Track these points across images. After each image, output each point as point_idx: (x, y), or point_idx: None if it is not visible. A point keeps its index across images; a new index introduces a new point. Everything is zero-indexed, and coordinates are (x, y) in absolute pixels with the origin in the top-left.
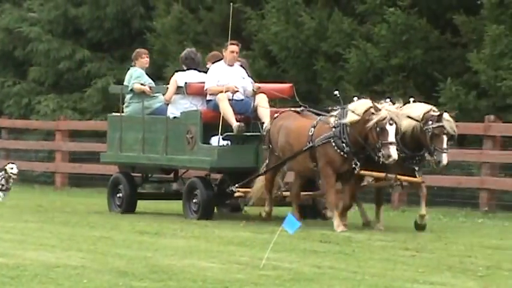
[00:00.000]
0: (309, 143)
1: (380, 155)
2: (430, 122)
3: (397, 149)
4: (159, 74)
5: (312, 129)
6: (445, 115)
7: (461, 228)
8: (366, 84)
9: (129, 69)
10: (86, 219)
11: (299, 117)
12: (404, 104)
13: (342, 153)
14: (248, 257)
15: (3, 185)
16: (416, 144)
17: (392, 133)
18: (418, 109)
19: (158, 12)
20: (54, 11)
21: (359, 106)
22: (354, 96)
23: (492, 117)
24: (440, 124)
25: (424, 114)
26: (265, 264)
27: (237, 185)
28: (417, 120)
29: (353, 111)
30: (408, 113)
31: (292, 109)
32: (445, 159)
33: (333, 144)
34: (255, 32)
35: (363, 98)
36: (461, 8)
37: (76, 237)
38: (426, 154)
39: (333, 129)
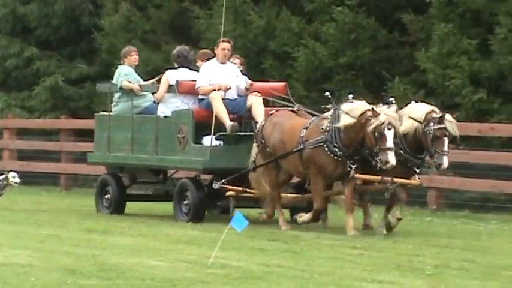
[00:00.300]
0: (300, 144)
1: (377, 160)
2: (432, 124)
3: (400, 149)
4: (106, 73)
5: (304, 130)
6: (447, 116)
7: (410, 226)
8: (314, 82)
9: (117, 67)
10: (33, 217)
11: (294, 116)
12: (406, 105)
13: (335, 157)
14: (196, 256)
15: None
16: (418, 146)
17: (390, 138)
18: (419, 110)
19: (106, 11)
20: (2, 9)
21: (354, 108)
22: (349, 94)
23: None
24: (442, 126)
25: (426, 115)
26: (213, 262)
27: (223, 181)
28: (419, 122)
29: (347, 113)
30: (410, 113)
31: (289, 108)
32: (446, 162)
33: (326, 148)
34: (204, 31)
35: (360, 99)
36: (410, 7)
37: (23, 236)
38: (427, 156)
39: (325, 133)
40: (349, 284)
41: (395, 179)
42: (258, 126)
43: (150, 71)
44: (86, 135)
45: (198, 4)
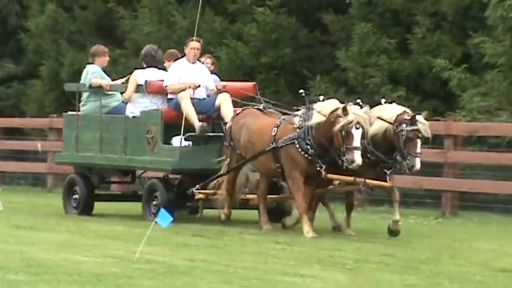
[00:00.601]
0: (272, 143)
1: (344, 159)
2: (404, 125)
3: (368, 152)
4: (34, 72)
5: (275, 129)
6: (419, 117)
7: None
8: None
9: (85, 66)
10: None
11: (262, 116)
12: (375, 105)
13: (306, 155)
14: (122, 251)
15: None
16: (388, 147)
17: (358, 138)
18: (390, 111)
19: (33, 12)
20: None
21: (325, 106)
22: (320, 95)
23: None
24: (415, 127)
25: (397, 116)
26: (139, 257)
27: (198, 186)
28: (390, 123)
29: (319, 112)
30: (380, 114)
31: (255, 107)
32: (418, 163)
33: (297, 146)
34: (128, 31)
35: (332, 98)
36: (330, 7)
37: None
38: (398, 157)
39: (297, 130)
40: (271, 279)
41: (368, 181)
42: (226, 127)
43: (76, 71)
44: (13, 133)
45: (122, 5)
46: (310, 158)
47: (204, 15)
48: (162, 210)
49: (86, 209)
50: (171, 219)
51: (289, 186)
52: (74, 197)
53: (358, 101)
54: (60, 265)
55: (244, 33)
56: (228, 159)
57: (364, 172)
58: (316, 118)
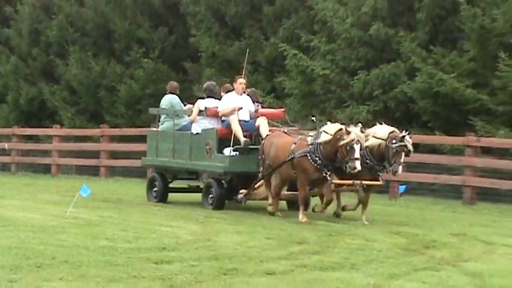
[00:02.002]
0: (291, 155)
1: (347, 166)
2: (394, 141)
3: (367, 159)
4: (3, 100)
5: (293, 144)
6: (406, 137)
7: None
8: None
9: (163, 95)
10: None
11: (285, 136)
12: (370, 127)
13: (315, 164)
14: (58, 211)
15: None
16: (380, 157)
17: (358, 151)
18: (383, 130)
19: (2, 61)
20: None
21: (331, 128)
22: (328, 121)
23: None
24: (403, 144)
25: (389, 134)
26: (68, 215)
27: (242, 193)
28: (383, 139)
29: (326, 132)
30: (374, 133)
31: (282, 130)
32: (400, 169)
33: (309, 157)
34: (62, 73)
35: (337, 122)
36: (189, 58)
37: None
38: (386, 164)
39: (309, 146)
40: (152, 228)
41: (364, 181)
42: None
43: (30, 99)
44: None
45: (59, 56)
46: (318, 166)
47: (110, 63)
48: (84, 185)
49: (162, 198)
50: (90, 191)
51: (298, 185)
52: (154, 189)
53: (359, 124)
54: (19, 220)
55: (135, 75)
56: (261, 168)
57: (362, 174)
58: (324, 137)
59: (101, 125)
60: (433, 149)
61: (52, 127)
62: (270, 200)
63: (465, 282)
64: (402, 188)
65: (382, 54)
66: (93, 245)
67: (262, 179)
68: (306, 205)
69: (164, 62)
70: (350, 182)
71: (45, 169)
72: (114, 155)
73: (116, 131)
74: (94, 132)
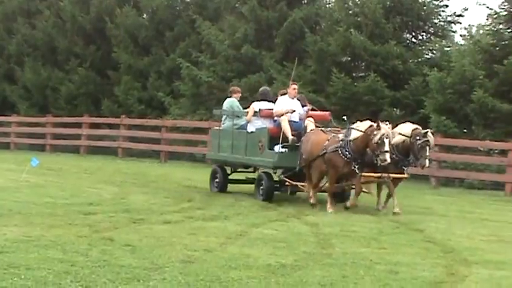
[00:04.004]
0: (323, 150)
1: (378, 159)
2: (418, 137)
3: (393, 155)
4: None
5: (327, 141)
6: (428, 132)
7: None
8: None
9: (226, 98)
10: None
11: (322, 133)
12: (397, 125)
13: (345, 158)
14: (15, 176)
15: None
16: (406, 152)
17: (387, 144)
18: (407, 128)
19: None
20: None
21: (361, 125)
22: (357, 120)
23: None
24: (426, 139)
25: (412, 131)
26: (22, 179)
27: (283, 176)
28: (408, 136)
29: (357, 129)
30: (400, 130)
31: (320, 128)
32: (427, 162)
33: (339, 152)
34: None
35: (366, 119)
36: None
37: None
38: (412, 159)
39: (340, 142)
40: (83, 189)
41: (391, 175)
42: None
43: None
44: None
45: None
46: (348, 160)
47: (54, 70)
48: (34, 157)
49: (222, 188)
50: (38, 162)
51: (328, 178)
52: (215, 180)
53: (387, 122)
54: None
55: (72, 79)
56: (299, 161)
57: (389, 169)
58: (355, 134)
59: (46, 115)
60: None
61: (11, 115)
62: (311, 192)
63: (306, 230)
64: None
65: (250, 68)
66: (39, 200)
67: (296, 169)
68: (343, 196)
69: (93, 70)
70: (378, 174)
71: (6, 146)
72: (56, 136)
73: (58, 119)
74: (42, 120)
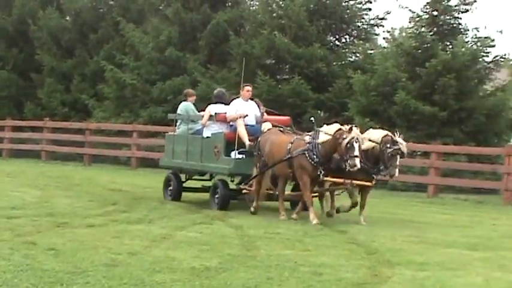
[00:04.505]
0: (287, 154)
1: (347, 164)
2: (388, 145)
3: (360, 161)
4: None
5: (290, 144)
6: (399, 139)
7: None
8: None
9: (181, 102)
10: None
11: (281, 134)
12: (365, 131)
13: (312, 162)
14: None
15: None
16: (375, 160)
17: (357, 148)
18: (376, 134)
19: None
20: None
21: (330, 128)
22: (325, 124)
23: None
24: (397, 147)
25: (382, 138)
26: None
27: (242, 184)
28: (377, 143)
29: (325, 133)
30: (369, 137)
31: (277, 128)
32: (397, 172)
33: (307, 155)
34: None
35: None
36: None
37: None
38: (382, 167)
39: (307, 144)
40: (5, 192)
41: (354, 181)
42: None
43: None
44: None
45: None
46: (315, 165)
47: None
48: None
49: (176, 197)
50: None
51: (300, 185)
52: (169, 188)
53: (355, 125)
54: None
55: None
56: (258, 164)
57: (357, 176)
58: (323, 137)
59: None
60: None
61: None
62: (255, 199)
63: (230, 232)
64: None
65: (174, 70)
66: None
67: (257, 175)
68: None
69: (15, 73)
70: (341, 180)
71: None
72: None
73: None
74: None
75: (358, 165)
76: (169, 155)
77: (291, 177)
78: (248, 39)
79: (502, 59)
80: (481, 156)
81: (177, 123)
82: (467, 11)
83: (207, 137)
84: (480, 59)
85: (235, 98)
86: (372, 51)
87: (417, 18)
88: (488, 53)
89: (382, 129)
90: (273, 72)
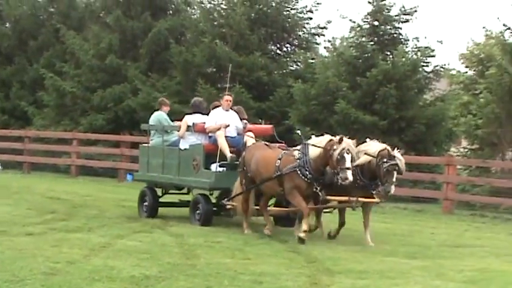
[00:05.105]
0: (277, 171)
1: (339, 177)
2: (385, 160)
3: (358, 179)
4: None
5: (279, 160)
6: (397, 154)
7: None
8: None
9: (153, 112)
10: None
11: (267, 149)
12: (362, 143)
13: (306, 179)
14: None
15: None
16: (372, 175)
17: (348, 160)
18: (374, 147)
19: None
20: None
21: (320, 140)
22: (312, 134)
23: None
24: (394, 162)
25: (379, 152)
26: None
27: (226, 200)
28: (373, 156)
29: (315, 145)
30: (366, 150)
31: (263, 142)
32: (393, 189)
33: (299, 172)
34: None
35: (323, 134)
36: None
37: None
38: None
39: (297, 160)
40: None
41: (360, 199)
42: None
43: None
44: None
45: None
46: (309, 181)
47: None
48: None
49: (152, 213)
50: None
51: (293, 203)
52: (144, 204)
53: (348, 137)
54: None
55: None
56: (243, 181)
57: (356, 192)
58: (314, 151)
59: None
60: None
61: None
62: (244, 220)
63: (170, 241)
64: (129, 177)
65: (114, 78)
66: None
67: (243, 192)
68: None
69: None
70: (345, 198)
71: None
72: None
73: None
74: None
75: (350, 178)
76: (144, 168)
77: (281, 195)
78: (189, 47)
79: (442, 69)
80: (420, 166)
81: (151, 135)
82: (407, 21)
83: (185, 149)
84: (420, 69)
85: (215, 107)
86: (312, 61)
87: (358, 28)
88: (428, 63)
89: (383, 142)
90: (214, 80)
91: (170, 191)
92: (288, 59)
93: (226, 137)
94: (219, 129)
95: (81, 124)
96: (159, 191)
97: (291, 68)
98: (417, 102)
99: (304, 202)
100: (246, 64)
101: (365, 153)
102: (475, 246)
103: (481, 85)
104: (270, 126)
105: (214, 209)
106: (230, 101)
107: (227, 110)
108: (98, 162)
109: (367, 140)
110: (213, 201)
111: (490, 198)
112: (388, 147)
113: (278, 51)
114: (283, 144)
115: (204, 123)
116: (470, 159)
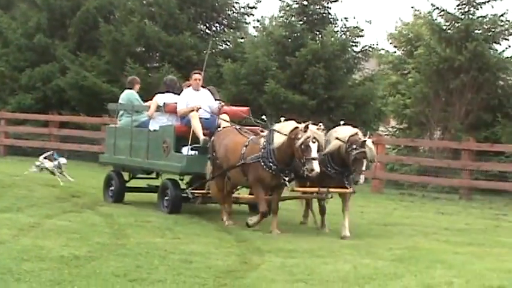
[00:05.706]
0: (241, 160)
1: (304, 169)
2: (354, 146)
3: (328, 167)
4: None
5: (244, 148)
6: (368, 142)
7: None
8: None
9: (123, 91)
10: None
11: (237, 134)
12: (333, 127)
13: (270, 171)
14: None
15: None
16: (342, 162)
17: (315, 150)
18: (345, 131)
19: None
20: None
21: (284, 126)
22: (281, 117)
23: None
24: (363, 150)
25: (350, 137)
26: None
27: (190, 189)
28: (343, 141)
29: (279, 132)
30: (337, 134)
31: (234, 126)
32: (362, 179)
33: (262, 163)
34: None
35: (290, 119)
36: None
37: None
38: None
39: (262, 150)
40: None
41: (331, 189)
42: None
43: None
44: None
45: None
46: (273, 173)
47: None
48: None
49: (118, 198)
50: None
51: (254, 194)
52: (110, 188)
53: (320, 124)
54: None
55: None
56: (212, 167)
57: (328, 182)
58: (278, 140)
59: None
60: (78, 126)
61: None
62: (224, 212)
63: (100, 221)
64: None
65: (43, 57)
66: None
67: (211, 179)
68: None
69: None
70: (315, 189)
71: None
72: None
73: None
74: None
75: (317, 169)
76: (110, 151)
77: (246, 184)
78: (118, 26)
79: (371, 49)
80: None
81: (119, 115)
82: (336, 0)
83: (154, 131)
84: (349, 49)
85: (188, 86)
86: (242, 40)
87: (287, 8)
88: (357, 42)
89: (354, 127)
90: (143, 60)
91: (138, 176)
92: (217, 38)
93: (200, 118)
94: (190, 112)
95: (10, 104)
96: (125, 175)
97: (221, 47)
98: (346, 82)
99: (264, 200)
100: (175, 44)
101: (336, 138)
102: (403, 225)
103: (409, 65)
104: (246, 108)
105: (184, 195)
106: (199, 79)
107: (197, 90)
108: (26, 141)
109: (341, 123)
110: (183, 186)
111: (418, 177)
112: (360, 133)
113: (207, 30)
114: (258, 128)
115: (176, 103)
116: (398, 138)
